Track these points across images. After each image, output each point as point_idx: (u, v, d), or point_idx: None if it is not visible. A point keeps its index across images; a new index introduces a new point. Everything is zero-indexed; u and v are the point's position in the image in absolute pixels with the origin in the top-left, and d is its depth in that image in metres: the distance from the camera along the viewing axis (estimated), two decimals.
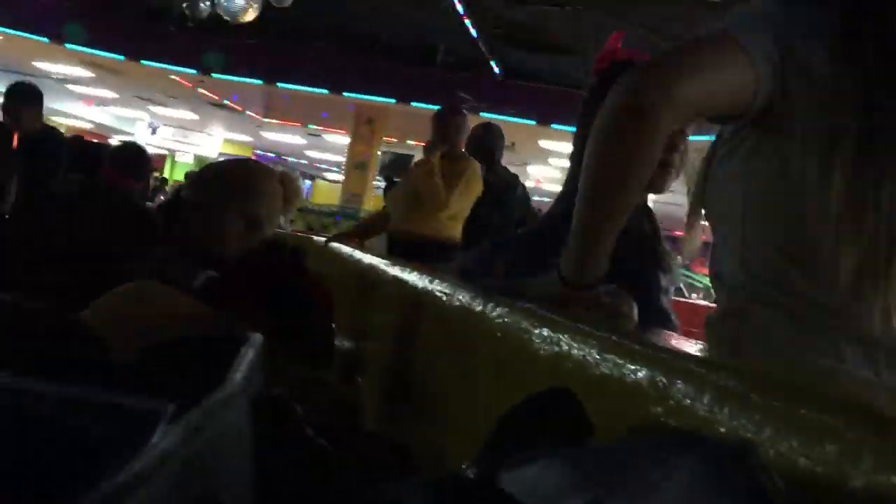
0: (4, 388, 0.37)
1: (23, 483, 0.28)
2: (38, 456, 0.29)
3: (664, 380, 0.56)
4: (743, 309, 1.03)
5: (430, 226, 3.88)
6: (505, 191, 4.23)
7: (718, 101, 0.98)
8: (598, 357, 0.69)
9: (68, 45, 10.22)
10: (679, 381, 0.54)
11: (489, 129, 4.39)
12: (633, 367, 0.62)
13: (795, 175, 0.97)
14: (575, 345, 0.75)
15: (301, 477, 0.38)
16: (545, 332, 0.83)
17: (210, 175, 1.84)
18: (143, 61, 10.42)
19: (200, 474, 0.26)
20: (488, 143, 4.25)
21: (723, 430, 0.47)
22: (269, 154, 20.46)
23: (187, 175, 7.54)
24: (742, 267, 1.03)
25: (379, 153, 12.08)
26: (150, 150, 5.51)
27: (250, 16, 6.89)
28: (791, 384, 0.50)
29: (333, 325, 1.78)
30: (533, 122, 9.88)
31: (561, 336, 0.79)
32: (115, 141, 12.49)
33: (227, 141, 18.95)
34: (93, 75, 12.55)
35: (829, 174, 0.95)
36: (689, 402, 0.52)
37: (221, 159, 2.14)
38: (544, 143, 11.43)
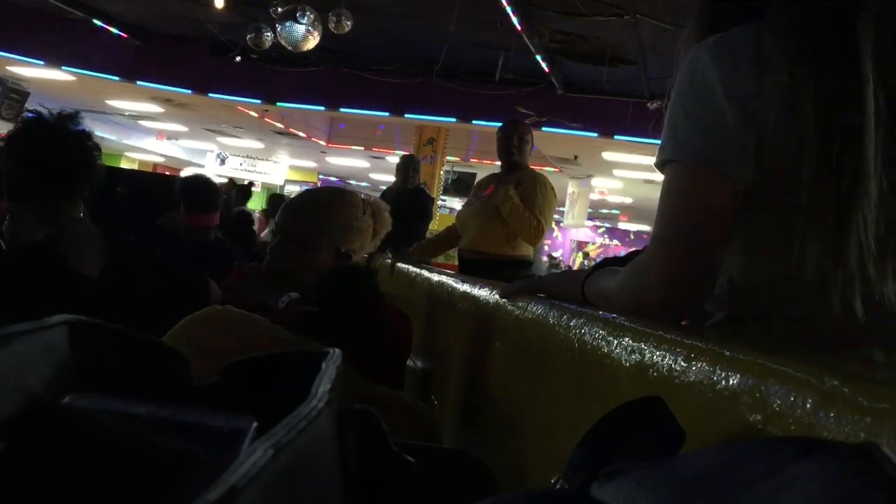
0: (91, 409, 0.36)
1: None
2: (113, 478, 0.28)
3: (759, 384, 0.53)
4: (731, 319, 0.99)
5: (509, 244, 3.85)
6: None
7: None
8: (684, 364, 0.66)
9: (139, 83, 10.58)
10: (776, 386, 0.51)
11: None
12: (724, 374, 0.59)
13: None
14: (659, 353, 0.72)
15: (387, 491, 0.37)
16: (626, 340, 0.80)
17: (304, 207, 1.84)
18: (210, 94, 10.71)
19: (289, 489, 0.25)
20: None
21: (830, 436, 0.44)
22: (333, 179, 20.76)
23: (271, 198, 7.70)
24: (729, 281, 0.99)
25: (441, 173, 12.14)
26: (219, 181, 5.64)
27: (311, 44, 7.01)
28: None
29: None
30: (594, 135, 9.79)
31: (643, 345, 0.76)
32: (185, 173, 12.86)
33: (293, 168, 19.30)
34: (162, 110, 12.95)
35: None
36: (789, 408, 0.49)
37: (310, 188, 2.17)
38: (607, 156, 11.31)
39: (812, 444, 0.32)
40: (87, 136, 1.86)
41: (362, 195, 1.98)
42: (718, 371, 0.60)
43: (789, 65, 0.88)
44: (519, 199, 3.75)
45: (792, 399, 0.49)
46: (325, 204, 1.82)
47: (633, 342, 0.79)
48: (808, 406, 0.46)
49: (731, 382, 0.58)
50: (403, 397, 1.41)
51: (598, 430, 0.54)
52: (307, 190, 2.02)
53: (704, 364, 0.63)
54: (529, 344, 1.23)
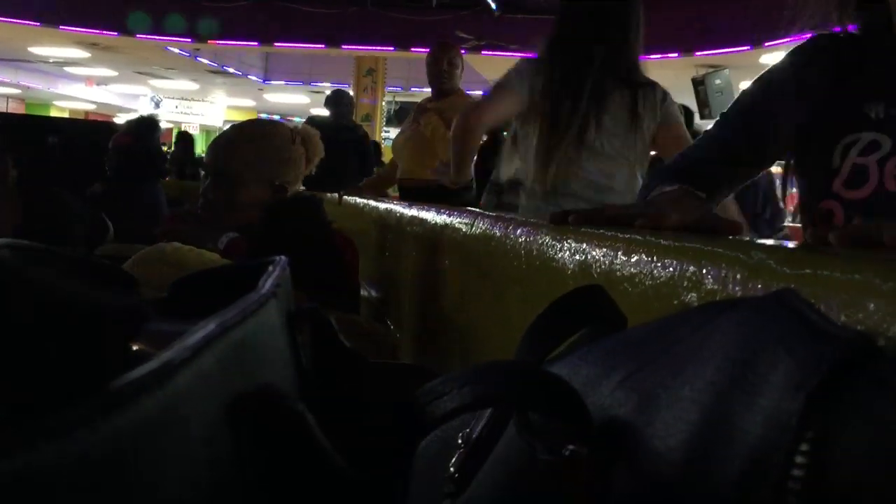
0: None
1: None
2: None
3: (694, 267, 0.56)
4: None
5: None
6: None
7: (504, 116, 2.31)
8: (624, 258, 0.68)
9: (62, 27, 10.15)
10: (710, 266, 0.54)
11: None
12: (660, 262, 0.61)
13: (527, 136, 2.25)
14: (600, 250, 0.74)
15: (339, 381, 0.39)
16: (570, 242, 0.83)
17: (234, 144, 1.78)
18: (137, 35, 10.33)
19: (233, 370, 0.26)
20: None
21: None
22: (274, 116, 20.36)
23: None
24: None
25: (384, 104, 11.98)
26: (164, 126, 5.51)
27: None
28: (817, 256, 0.49)
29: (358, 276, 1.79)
30: (535, 56, 9.74)
31: (585, 244, 0.79)
32: (120, 119, 12.48)
33: (231, 107, 18.86)
34: (89, 55, 12.47)
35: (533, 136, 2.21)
36: (721, 284, 0.52)
37: (236, 122, 2.11)
38: None
39: (738, 300, 0.34)
40: None
41: (291, 125, 1.95)
42: (655, 259, 0.62)
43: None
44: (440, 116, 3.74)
45: (723, 275, 0.51)
46: (252, 137, 1.76)
47: (576, 243, 0.81)
48: (738, 278, 0.49)
49: (668, 269, 0.60)
50: (359, 320, 1.43)
51: (542, 322, 0.56)
52: (233, 125, 1.94)
53: (643, 255, 0.65)
54: (478, 259, 1.25)
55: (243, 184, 1.69)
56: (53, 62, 13.70)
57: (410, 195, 3.82)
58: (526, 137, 2.28)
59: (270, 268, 0.40)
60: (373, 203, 2.81)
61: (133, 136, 4.90)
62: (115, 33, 10.27)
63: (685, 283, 0.57)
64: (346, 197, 3.59)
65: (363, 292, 2.18)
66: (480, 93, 4.22)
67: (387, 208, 2.44)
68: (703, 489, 0.24)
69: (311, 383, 0.37)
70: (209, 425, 0.23)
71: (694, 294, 0.55)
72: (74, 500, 0.16)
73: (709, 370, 0.28)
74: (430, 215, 1.68)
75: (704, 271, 0.54)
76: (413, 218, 1.89)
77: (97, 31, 10.29)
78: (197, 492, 0.22)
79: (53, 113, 17.18)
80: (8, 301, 0.17)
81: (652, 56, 8.89)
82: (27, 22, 9.96)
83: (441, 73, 3.88)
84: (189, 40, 10.45)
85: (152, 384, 0.19)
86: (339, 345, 0.41)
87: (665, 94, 2.28)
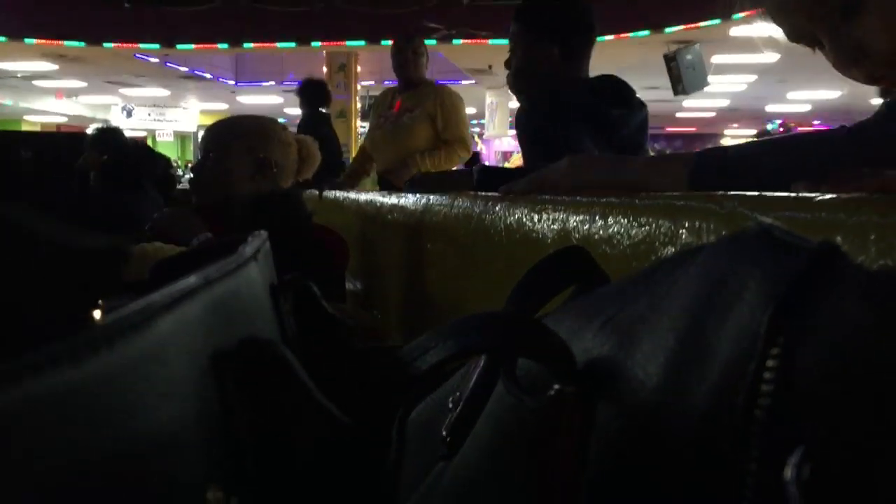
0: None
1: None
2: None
3: (669, 222, 0.57)
4: None
5: (429, 162, 3.81)
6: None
7: None
8: (601, 221, 0.69)
9: (27, 40, 10.03)
10: (684, 219, 0.55)
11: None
12: (636, 220, 0.62)
13: None
14: (578, 217, 0.75)
15: (324, 346, 0.39)
16: (548, 213, 0.83)
17: (221, 123, 1.89)
18: (104, 44, 10.22)
19: (215, 325, 0.26)
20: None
21: None
22: None
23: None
24: None
25: (357, 98, 11.93)
26: (129, 134, 5.46)
27: None
28: (790, 199, 0.50)
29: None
30: (505, 42, 9.72)
31: (563, 213, 0.79)
32: (91, 130, 12.33)
33: (204, 112, 18.73)
34: (57, 67, 12.34)
35: None
36: (696, 235, 0.53)
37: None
38: None
39: (716, 242, 0.35)
40: None
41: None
42: (632, 219, 0.63)
43: None
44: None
45: (698, 227, 0.52)
46: (241, 118, 1.89)
47: (554, 212, 0.82)
48: (713, 228, 0.50)
49: (643, 228, 0.61)
50: (345, 308, 1.43)
51: (525, 282, 0.57)
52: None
53: (620, 217, 0.66)
54: (459, 238, 1.25)
55: (229, 154, 1.72)
56: (21, 76, 13.54)
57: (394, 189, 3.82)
58: None
59: (249, 238, 0.41)
60: (352, 196, 2.82)
61: (99, 150, 4.86)
62: (82, 43, 10.16)
63: (662, 239, 0.58)
64: (326, 193, 3.59)
65: (348, 285, 2.18)
66: (455, 82, 4.22)
67: (366, 199, 2.44)
68: (680, 407, 0.25)
69: (295, 347, 0.38)
70: (193, 371, 0.23)
71: (671, 248, 0.56)
72: (57, 437, 0.16)
73: (685, 299, 0.28)
74: (410, 201, 1.69)
75: (678, 226, 0.55)
76: (393, 206, 1.90)
77: (63, 42, 10.17)
78: (182, 435, 0.22)
79: (25, 128, 16.99)
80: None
81: (622, 35, 8.92)
82: None
83: (407, 63, 3.87)
84: (157, 46, 10.36)
85: (134, 325, 0.19)
86: (324, 311, 0.41)
87: None
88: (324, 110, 5.47)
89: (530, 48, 2.11)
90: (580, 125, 1.77)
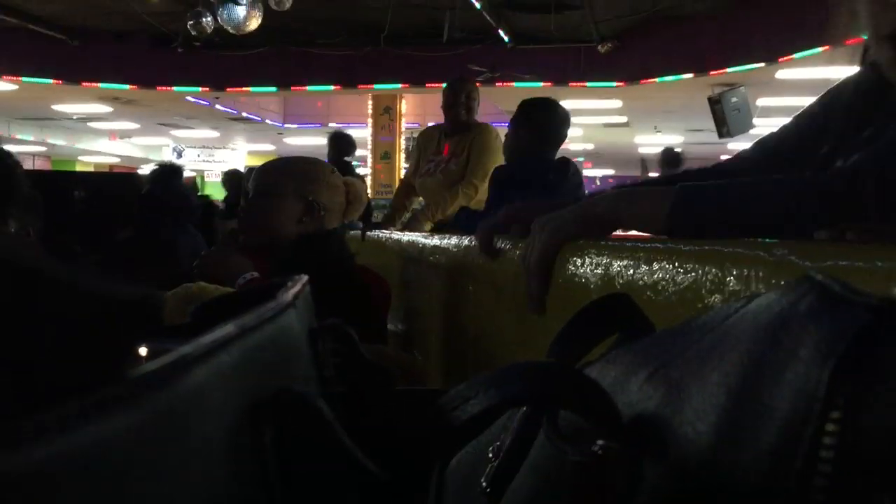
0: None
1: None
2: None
3: (715, 269, 0.55)
4: None
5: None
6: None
7: None
8: (646, 267, 0.68)
9: (83, 84, 10.36)
10: (731, 266, 0.53)
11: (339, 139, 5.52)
12: (682, 267, 0.61)
13: None
14: (621, 262, 0.74)
15: (364, 394, 0.38)
16: (591, 257, 0.82)
17: (273, 165, 1.92)
18: (157, 87, 10.52)
19: (252, 371, 0.26)
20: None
21: None
22: None
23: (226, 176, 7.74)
24: None
25: (403, 140, 12.07)
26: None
27: (253, 24, 6.90)
28: (839, 248, 0.48)
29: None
30: (549, 84, 9.78)
31: (606, 257, 0.78)
32: (144, 170, 12.66)
33: (251, 153, 19.10)
34: (111, 109, 12.72)
35: None
36: (744, 283, 0.51)
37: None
38: (564, 104, 11.33)
39: (768, 293, 0.33)
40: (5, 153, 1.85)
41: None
42: (677, 265, 0.62)
43: None
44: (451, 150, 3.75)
45: (746, 274, 0.51)
46: (292, 160, 1.91)
47: (597, 256, 0.80)
48: (761, 276, 0.48)
49: (690, 274, 0.60)
50: (386, 350, 1.42)
51: (568, 330, 0.55)
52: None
53: (665, 262, 0.65)
54: (501, 280, 1.24)
55: (278, 196, 1.74)
56: (77, 118, 13.98)
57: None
58: None
59: (289, 283, 0.41)
60: (395, 236, 2.83)
61: (156, 185, 4.99)
62: (135, 86, 10.47)
63: (708, 287, 0.56)
64: (369, 233, 3.61)
65: (389, 326, 2.18)
66: (499, 124, 4.26)
67: (409, 240, 2.45)
68: (734, 469, 0.23)
69: (334, 396, 0.37)
70: (229, 422, 0.23)
71: (718, 296, 0.54)
72: (86, 493, 0.16)
73: (736, 353, 0.27)
74: (452, 243, 1.68)
75: (726, 273, 0.54)
76: (435, 247, 1.90)
77: (117, 85, 10.50)
78: (217, 487, 0.21)
79: (79, 168, 17.50)
80: (27, 290, 0.18)
81: (667, 77, 8.91)
82: (48, 80, 10.19)
83: (459, 107, 3.87)
84: (207, 89, 10.63)
85: (166, 378, 0.19)
86: (363, 359, 0.41)
87: None
88: (347, 159, 5.74)
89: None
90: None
